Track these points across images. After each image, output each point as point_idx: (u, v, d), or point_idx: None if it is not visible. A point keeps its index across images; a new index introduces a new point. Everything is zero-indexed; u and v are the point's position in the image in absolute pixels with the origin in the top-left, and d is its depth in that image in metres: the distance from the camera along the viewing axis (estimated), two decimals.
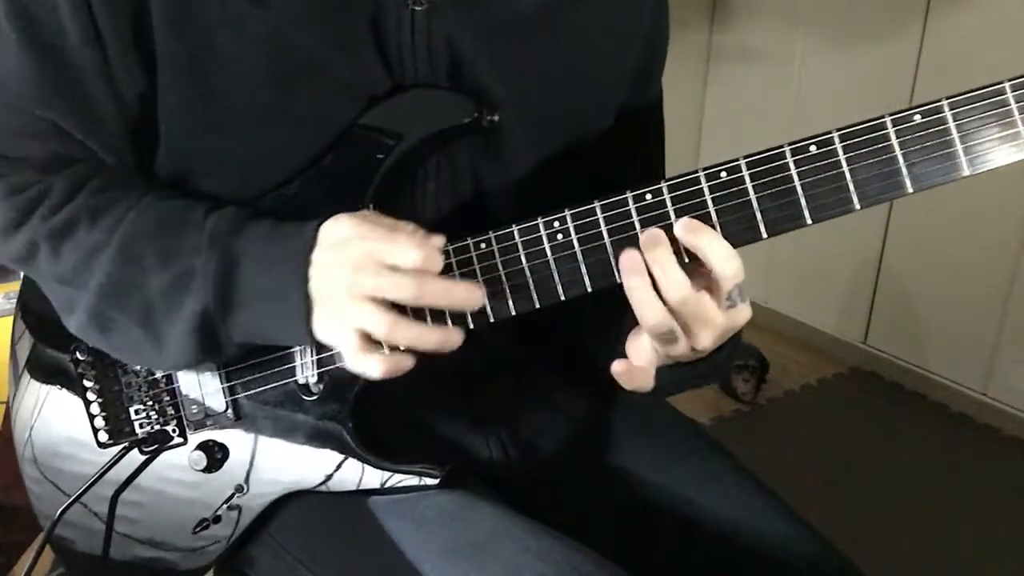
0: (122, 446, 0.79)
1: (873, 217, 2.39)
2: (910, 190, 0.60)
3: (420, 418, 0.84)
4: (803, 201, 0.62)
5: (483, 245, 0.68)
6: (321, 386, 0.75)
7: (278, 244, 0.67)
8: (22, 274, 0.84)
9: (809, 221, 0.62)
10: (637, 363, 0.68)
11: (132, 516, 0.81)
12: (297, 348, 0.75)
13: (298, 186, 0.73)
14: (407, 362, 0.66)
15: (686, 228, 0.63)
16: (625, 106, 0.84)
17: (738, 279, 0.63)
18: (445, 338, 0.66)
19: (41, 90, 0.69)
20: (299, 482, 0.78)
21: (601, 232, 0.66)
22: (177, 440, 0.79)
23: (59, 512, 0.77)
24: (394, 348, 0.67)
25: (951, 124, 0.59)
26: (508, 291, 0.68)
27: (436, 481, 0.76)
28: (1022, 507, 1.96)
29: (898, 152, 0.60)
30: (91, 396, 0.80)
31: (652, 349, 0.67)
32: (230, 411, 0.78)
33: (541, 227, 0.67)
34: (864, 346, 2.54)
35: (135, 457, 0.79)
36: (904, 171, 0.60)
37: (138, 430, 0.80)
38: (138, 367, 0.79)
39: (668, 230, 0.64)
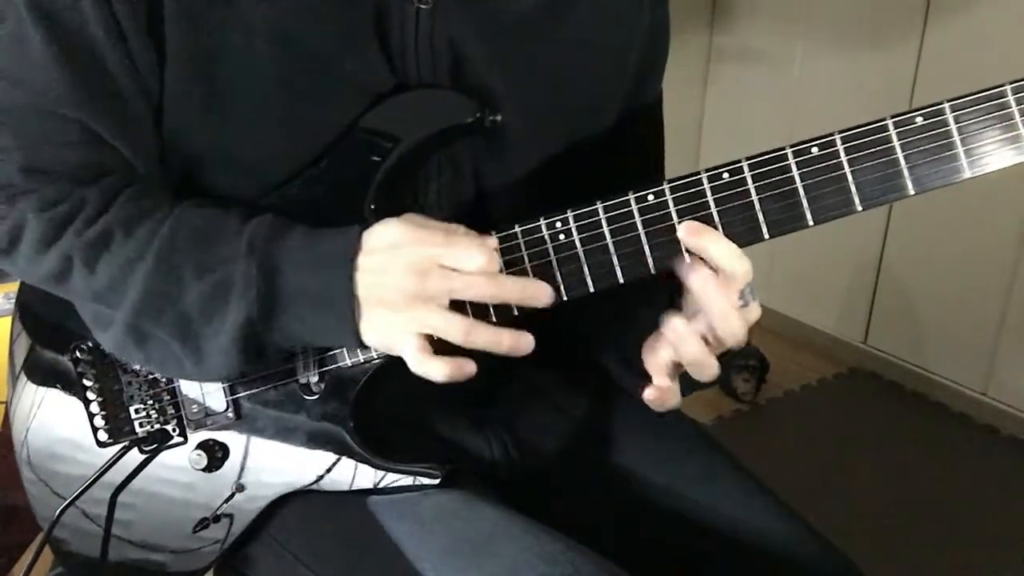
0: (122, 445, 0.79)
1: (873, 217, 2.39)
2: (911, 192, 0.60)
3: (421, 418, 0.84)
4: (805, 202, 0.62)
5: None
6: (322, 386, 0.75)
7: (320, 249, 0.66)
8: None
9: (811, 222, 0.63)
10: (663, 383, 0.69)
11: (126, 518, 0.81)
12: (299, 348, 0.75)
13: (299, 185, 0.73)
14: (470, 366, 0.66)
15: (689, 231, 0.64)
16: (626, 106, 0.84)
17: (748, 278, 0.64)
18: (518, 341, 0.66)
19: (69, 88, 0.68)
20: (303, 480, 0.78)
21: (603, 233, 0.66)
22: (177, 439, 0.79)
23: (58, 512, 0.77)
24: (452, 351, 0.66)
25: (952, 126, 0.59)
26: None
27: (436, 481, 0.76)
28: (1022, 507, 1.96)
29: (900, 154, 0.60)
30: (91, 395, 0.80)
31: (671, 362, 0.68)
32: (230, 411, 0.78)
33: (543, 227, 0.67)
34: (864, 346, 2.54)
35: (133, 458, 0.79)
36: (906, 173, 0.60)
37: (138, 429, 0.80)
38: (138, 367, 0.79)
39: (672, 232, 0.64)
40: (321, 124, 0.72)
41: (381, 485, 0.77)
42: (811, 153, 0.61)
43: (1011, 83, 0.58)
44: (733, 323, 0.65)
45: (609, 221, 0.66)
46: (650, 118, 0.89)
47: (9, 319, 0.88)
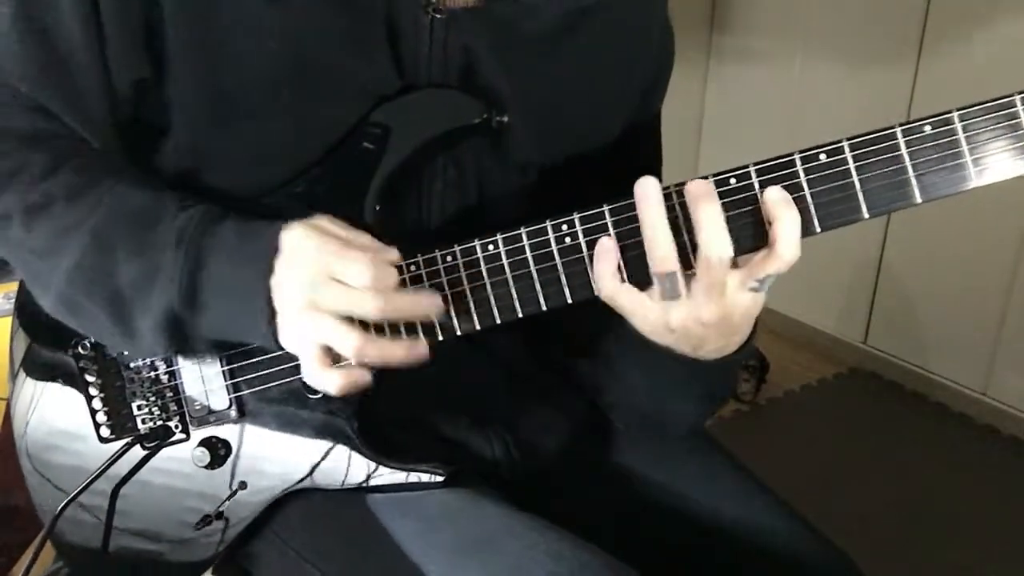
0: (124, 441, 0.79)
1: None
2: (919, 200, 0.60)
3: (423, 417, 0.84)
4: (812, 209, 0.62)
5: (491, 247, 0.68)
6: None
7: (244, 247, 0.66)
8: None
9: (818, 229, 0.62)
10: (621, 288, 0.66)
11: (136, 510, 0.81)
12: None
13: (304, 184, 0.73)
14: (365, 377, 0.66)
15: (783, 197, 0.61)
16: (629, 119, 0.84)
17: (783, 270, 0.62)
18: (409, 352, 0.65)
19: (29, 70, 0.69)
20: (289, 475, 0.78)
21: (610, 236, 0.65)
22: (179, 436, 0.79)
23: (60, 508, 0.77)
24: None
25: (961, 135, 0.59)
26: (515, 294, 0.68)
27: (440, 479, 0.76)
28: (1022, 507, 1.96)
29: (908, 162, 0.60)
30: (93, 391, 0.80)
31: (652, 303, 0.66)
32: (233, 408, 0.78)
33: (550, 230, 0.67)
34: (864, 346, 2.54)
35: (137, 452, 0.79)
36: (913, 181, 0.60)
37: (140, 425, 0.80)
38: (138, 362, 0.79)
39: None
40: (326, 124, 0.72)
41: (382, 483, 0.77)
42: (819, 160, 0.61)
43: (1020, 93, 0.58)
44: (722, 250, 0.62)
45: (615, 224, 0.65)
46: (650, 131, 0.89)
47: (9, 319, 0.88)
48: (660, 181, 0.85)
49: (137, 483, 0.80)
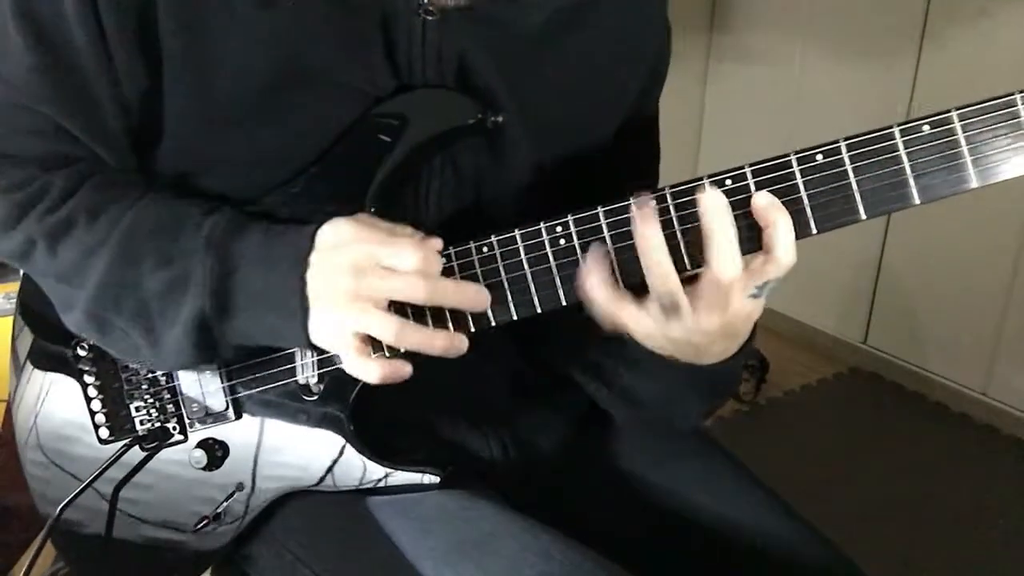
0: (123, 442, 0.79)
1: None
2: (917, 201, 0.59)
3: (420, 418, 0.84)
4: (809, 210, 0.61)
5: (485, 248, 0.68)
6: (321, 386, 0.75)
7: (276, 248, 0.67)
8: (22, 273, 0.84)
9: (815, 230, 0.62)
10: (611, 306, 0.65)
11: (143, 499, 0.81)
12: (297, 348, 0.75)
13: (300, 185, 0.73)
14: (406, 368, 0.66)
15: (772, 202, 0.61)
16: (627, 117, 0.84)
17: (781, 274, 0.62)
18: (451, 342, 0.66)
19: (44, 89, 0.69)
20: (302, 479, 0.78)
21: (604, 238, 0.65)
22: (177, 437, 0.79)
23: (60, 508, 0.77)
24: (393, 353, 0.66)
25: (960, 135, 0.58)
26: (510, 295, 0.68)
27: (437, 480, 0.76)
28: (1022, 507, 1.96)
29: (906, 163, 0.59)
30: (92, 392, 0.80)
31: (635, 312, 0.65)
32: (230, 410, 0.78)
33: (544, 231, 0.67)
34: (864, 346, 2.54)
35: (137, 453, 0.79)
36: (912, 182, 0.59)
37: (138, 427, 0.80)
38: (137, 365, 0.79)
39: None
40: (321, 127, 0.72)
41: (388, 484, 0.77)
42: (816, 160, 0.60)
43: (1020, 92, 0.57)
44: (728, 251, 0.61)
45: (610, 227, 0.65)
46: (647, 129, 0.88)
47: (9, 318, 0.88)
48: (657, 179, 0.85)
49: (149, 471, 0.80)
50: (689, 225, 0.63)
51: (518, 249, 0.67)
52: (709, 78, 2.83)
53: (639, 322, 0.65)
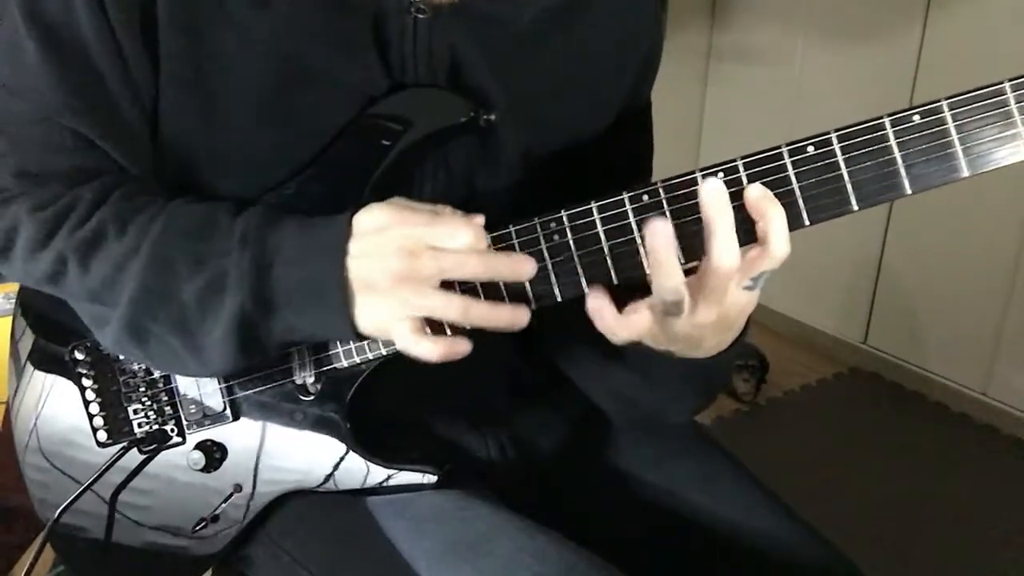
0: (121, 445, 0.79)
1: (873, 217, 2.39)
2: (908, 191, 0.60)
3: (418, 418, 0.84)
4: (801, 202, 0.61)
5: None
6: (318, 386, 0.75)
7: (311, 237, 0.65)
8: None
9: (807, 222, 0.62)
10: (623, 326, 0.66)
11: (142, 503, 0.81)
12: (294, 348, 0.75)
13: (295, 186, 0.73)
14: (465, 345, 0.65)
15: (765, 194, 0.61)
16: (620, 111, 0.84)
17: (776, 265, 0.62)
18: (515, 314, 0.65)
19: (64, 97, 0.68)
20: (300, 480, 0.78)
21: (598, 233, 0.65)
22: (175, 439, 0.79)
23: (59, 511, 0.77)
24: (442, 331, 0.65)
25: (950, 124, 0.58)
26: (505, 294, 0.68)
27: (434, 480, 0.76)
28: (1022, 507, 1.95)
29: (897, 153, 0.59)
30: (90, 395, 0.80)
31: (649, 320, 0.65)
32: (228, 411, 0.78)
33: (538, 227, 0.66)
34: (864, 346, 2.54)
35: (135, 456, 0.79)
36: (903, 172, 0.59)
37: (136, 430, 0.80)
38: (134, 365, 0.79)
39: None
40: (316, 128, 0.72)
41: (387, 484, 0.77)
42: (807, 152, 0.61)
43: (1010, 80, 0.57)
44: (730, 239, 0.61)
45: (603, 221, 0.65)
46: (641, 121, 0.88)
47: (9, 319, 0.88)
48: (651, 171, 0.85)
49: (149, 477, 0.80)
50: (682, 219, 0.63)
51: (513, 246, 0.67)
52: (709, 78, 2.83)
53: (644, 326, 0.66)
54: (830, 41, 2.45)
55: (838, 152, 0.60)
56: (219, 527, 0.80)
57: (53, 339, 0.82)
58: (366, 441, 0.76)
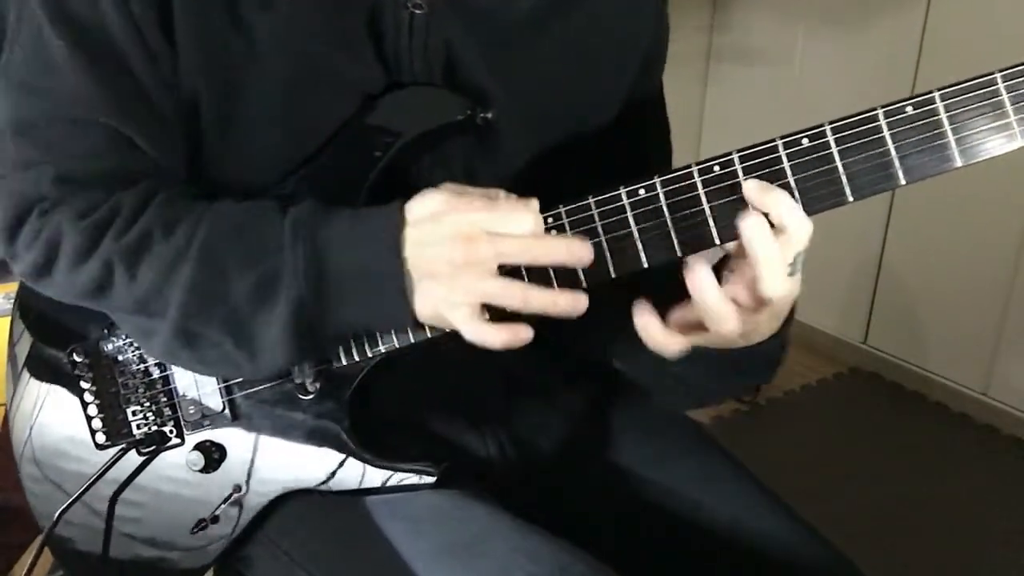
0: (120, 447, 0.79)
1: (873, 217, 2.39)
2: (903, 182, 0.60)
3: (417, 417, 0.84)
4: (796, 194, 0.61)
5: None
6: (317, 385, 0.75)
7: (366, 228, 0.65)
8: None
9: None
10: (672, 341, 0.66)
11: (134, 515, 0.81)
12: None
13: (293, 185, 0.73)
14: (527, 332, 0.65)
15: (758, 188, 0.61)
16: (628, 101, 0.83)
17: (805, 243, 0.62)
18: (575, 301, 0.64)
19: (97, 91, 0.68)
20: (300, 480, 0.77)
21: (596, 228, 0.65)
22: (174, 441, 0.79)
23: (58, 514, 0.77)
24: (504, 317, 0.64)
25: (943, 115, 0.58)
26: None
27: (432, 480, 0.76)
28: (1022, 507, 1.95)
29: (890, 144, 0.59)
30: (88, 397, 0.80)
31: (697, 336, 0.66)
32: (227, 411, 0.78)
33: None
34: (864, 346, 2.54)
35: (133, 458, 0.78)
36: (896, 163, 0.60)
37: (135, 431, 0.80)
38: (132, 366, 0.79)
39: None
40: (317, 125, 0.72)
41: (374, 484, 0.76)
42: (801, 144, 0.61)
43: (1001, 71, 0.58)
44: (779, 272, 0.62)
45: (601, 216, 0.65)
46: (654, 104, 0.87)
47: (8, 319, 0.88)
48: (671, 153, 0.83)
49: (140, 489, 0.80)
50: (680, 212, 0.63)
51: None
52: (709, 78, 2.82)
53: (694, 341, 0.66)
54: (830, 40, 2.45)
55: (832, 144, 0.61)
56: (218, 527, 0.80)
57: (52, 343, 0.81)
58: (365, 440, 0.76)
